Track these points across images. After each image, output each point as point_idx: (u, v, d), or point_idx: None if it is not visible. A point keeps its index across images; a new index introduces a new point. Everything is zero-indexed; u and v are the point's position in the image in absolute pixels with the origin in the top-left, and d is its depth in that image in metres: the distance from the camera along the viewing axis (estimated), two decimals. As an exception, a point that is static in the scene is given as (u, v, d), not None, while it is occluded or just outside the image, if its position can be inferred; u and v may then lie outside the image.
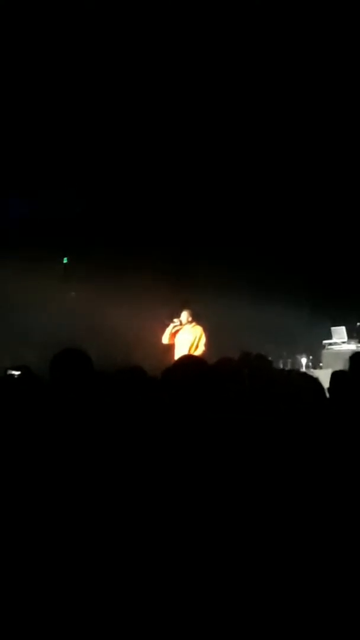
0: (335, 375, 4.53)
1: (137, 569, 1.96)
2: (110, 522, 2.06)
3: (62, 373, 2.58)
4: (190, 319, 9.64)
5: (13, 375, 4.48)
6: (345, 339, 11.67)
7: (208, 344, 9.57)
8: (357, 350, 9.80)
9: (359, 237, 12.04)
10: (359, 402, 3.65)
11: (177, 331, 9.59)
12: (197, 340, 9.58)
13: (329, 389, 4.05)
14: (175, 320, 9.62)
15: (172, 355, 9.48)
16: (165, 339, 9.61)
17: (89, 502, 2.12)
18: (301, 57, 10.84)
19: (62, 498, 2.14)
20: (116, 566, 1.97)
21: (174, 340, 9.61)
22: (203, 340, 9.59)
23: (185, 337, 9.60)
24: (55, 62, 10.73)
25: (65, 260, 12.11)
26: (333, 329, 11.90)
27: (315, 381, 3.05)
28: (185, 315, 9.64)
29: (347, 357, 5.07)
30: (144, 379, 2.62)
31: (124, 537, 2.02)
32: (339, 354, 10.78)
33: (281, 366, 10.71)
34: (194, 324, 9.66)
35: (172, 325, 9.59)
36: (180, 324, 9.66)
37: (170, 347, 9.70)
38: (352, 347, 11.17)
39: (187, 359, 2.61)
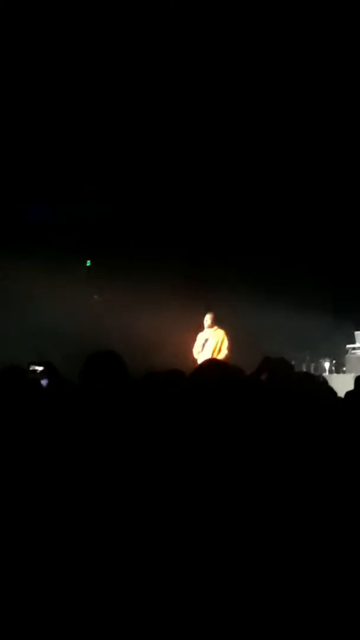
0: (359, 380, 4.52)
1: (135, 570, 1.96)
2: (125, 524, 2.07)
3: (96, 374, 2.56)
4: (212, 323, 9.64)
5: (36, 370, 4.53)
6: (369, 344, 11.60)
7: (230, 348, 9.55)
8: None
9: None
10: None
11: (204, 342, 9.56)
12: (219, 344, 9.57)
13: (351, 392, 4.04)
14: (203, 335, 9.59)
15: (195, 358, 9.50)
16: (196, 353, 9.58)
17: (108, 505, 2.13)
18: (301, 57, 10.81)
19: (77, 497, 2.15)
20: (115, 567, 1.98)
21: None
22: (226, 344, 9.58)
23: (208, 341, 9.59)
24: (70, 67, 10.80)
25: (88, 263, 12.18)
26: (357, 333, 11.82)
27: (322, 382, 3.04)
28: (208, 319, 9.64)
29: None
30: (181, 381, 2.61)
31: (132, 536, 2.02)
32: (363, 358, 10.74)
33: (304, 370, 10.66)
34: (216, 327, 9.66)
35: (202, 338, 9.57)
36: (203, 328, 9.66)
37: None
38: (377, 351, 11.11)
39: (212, 362, 2.60)
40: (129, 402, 2.54)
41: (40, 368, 4.54)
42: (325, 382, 4.51)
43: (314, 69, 10.95)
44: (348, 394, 3.93)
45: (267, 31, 10.62)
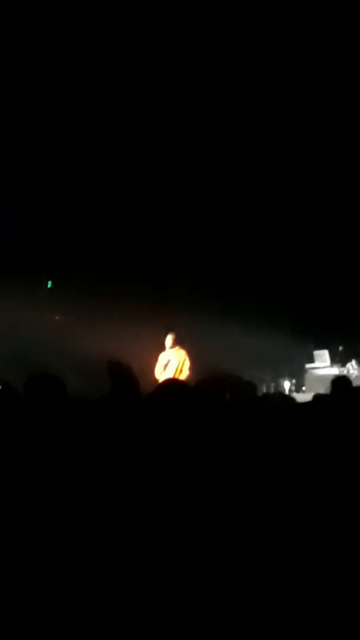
0: (317, 399, 4.59)
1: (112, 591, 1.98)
2: (88, 542, 2.09)
3: (36, 397, 2.60)
4: (174, 343, 9.67)
5: None
6: (328, 363, 11.75)
7: (192, 368, 9.59)
8: (338, 375, 9.89)
9: (342, 261, 12.18)
10: (340, 424, 3.70)
11: (166, 362, 9.58)
12: (181, 364, 9.60)
13: (308, 407, 4.10)
14: (165, 355, 9.62)
15: (157, 378, 9.51)
16: (158, 373, 9.60)
17: (67, 522, 2.14)
18: (300, 58, 10.91)
19: (39, 516, 2.16)
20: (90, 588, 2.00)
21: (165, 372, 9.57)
22: (187, 364, 9.61)
23: (170, 362, 9.62)
24: (33, 84, 10.79)
25: (49, 284, 12.13)
26: (316, 352, 11.98)
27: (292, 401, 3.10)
28: (169, 340, 9.68)
29: (330, 380, 5.13)
30: (129, 404, 2.64)
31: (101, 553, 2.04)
32: (321, 377, 10.84)
33: (264, 390, 10.75)
34: (177, 348, 9.69)
35: (164, 358, 9.60)
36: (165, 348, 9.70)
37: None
38: (335, 370, 11.26)
39: (171, 382, 2.64)
40: (69, 424, 2.56)
41: None
42: (284, 398, 4.57)
43: (311, 71, 11.04)
44: (305, 409, 3.99)
45: (267, 31, 10.71)
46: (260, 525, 2.19)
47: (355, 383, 5.55)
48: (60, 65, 10.72)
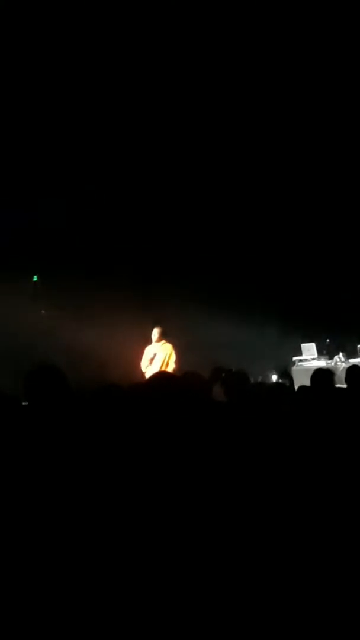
0: (301, 390, 4.61)
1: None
2: (87, 541, 2.07)
3: (38, 390, 2.57)
4: (160, 336, 9.67)
5: None
6: (315, 356, 11.79)
7: (178, 362, 9.60)
8: (317, 368, 9.91)
9: (329, 254, 12.21)
10: (320, 416, 3.73)
11: (152, 356, 9.58)
12: (167, 357, 9.61)
13: (296, 401, 4.13)
14: (152, 349, 9.61)
15: (143, 372, 9.51)
16: (144, 366, 9.60)
17: (66, 522, 2.13)
18: (299, 58, 10.91)
19: (36, 517, 2.15)
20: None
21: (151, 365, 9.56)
22: (173, 357, 9.62)
23: (157, 355, 9.61)
24: (27, 81, 10.75)
25: (35, 278, 12.07)
26: (303, 345, 12.01)
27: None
28: (156, 333, 9.67)
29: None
30: (121, 397, 2.63)
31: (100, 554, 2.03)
32: (308, 370, 10.86)
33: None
34: (163, 341, 9.69)
35: (150, 352, 9.59)
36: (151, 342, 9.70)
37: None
38: (322, 363, 11.30)
39: (160, 375, 2.63)
40: (72, 415, 2.54)
41: None
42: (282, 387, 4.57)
43: (311, 71, 11.04)
44: (293, 404, 4.01)
45: (267, 31, 10.69)
46: (256, 517, 2.19)
47: (341, 376, 5.57)
48: (60, 65, 10.67)
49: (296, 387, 8.60)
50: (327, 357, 11.68)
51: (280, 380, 11.51)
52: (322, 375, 4.47)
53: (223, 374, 5.21)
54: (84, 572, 2.01)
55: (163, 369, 9.28)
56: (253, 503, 2.24)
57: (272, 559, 2.12)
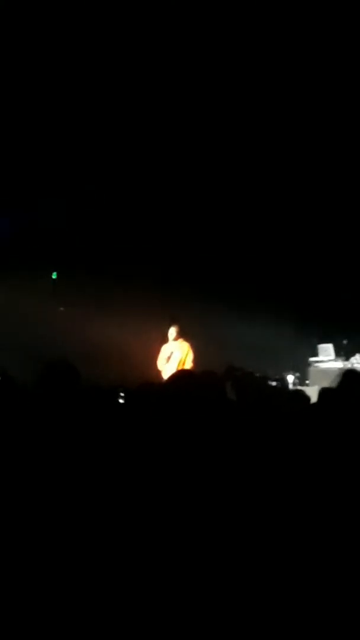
0: (324, 393, 4.56)
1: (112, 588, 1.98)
2: (91, 537, 2.08)
3: (47, 384, 2.58)
4: (177, 335, 9.67)
5: None
6: (333, 357, 11.72)
7: (195, 360, 9.59)
8: (348, 368, 9.85)
9: (345, 254, 12.16)
10: (348, 419, 3.70)
11: (169, 354, 9.58)
12: (184, 356, 9.60)
13: (316, 405, 4.09)
14: (168, 347, 9.61)
15: (160, 370, 9.52)
16: (160, 365, 9.60)
17: (74, 517, 2.14)
18: (299, 59, 10.88)
19: (44, 512, 2.16)
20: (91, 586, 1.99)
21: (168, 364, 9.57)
22: (190, 356, 9.62)
23: (174, 354, 9.62)
24: (29, 80, 10.79)
25: (54, 276, 12.14)
26: (320, 346, 11.95)
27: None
28: (173, 332, 9.67)
29: (334, 374, 5.11)
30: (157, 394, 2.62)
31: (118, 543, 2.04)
32: (326, 371, 10.82)
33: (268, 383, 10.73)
34: (181, 340, 9.69)
35: (167, 350, 9.59)
36: (168, 340, 9.70)
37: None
38: (339, 364, 11.23)
39: (184, 373, 2.63)
40: (81, 411, 2.55)
41: None
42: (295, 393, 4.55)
43: (310, 71, 11.01)
44: (312, 406, 3.99)
45: (267, 31, 10.68)
46: (264, 519, 2.19)
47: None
48: (60, 65, 10.70)
49: (314, 389, 8.57)
50: (344, 357, 11.61)
51: (296, 381, 11.46)
52: (354, 377, 4.36)
53: (236, 373, 5.22)
54: (87, 567, 2.01)
55: (180, 367, 9.28)
56: (257, 502, 2.25)
57: (282, 562, 2.12)
